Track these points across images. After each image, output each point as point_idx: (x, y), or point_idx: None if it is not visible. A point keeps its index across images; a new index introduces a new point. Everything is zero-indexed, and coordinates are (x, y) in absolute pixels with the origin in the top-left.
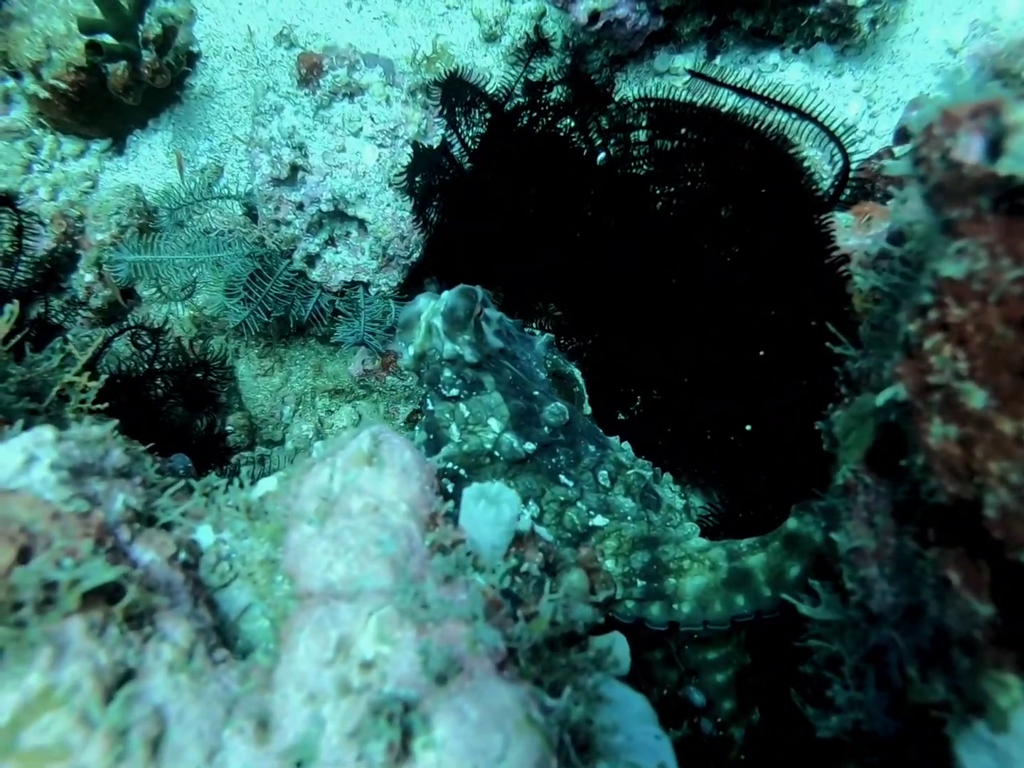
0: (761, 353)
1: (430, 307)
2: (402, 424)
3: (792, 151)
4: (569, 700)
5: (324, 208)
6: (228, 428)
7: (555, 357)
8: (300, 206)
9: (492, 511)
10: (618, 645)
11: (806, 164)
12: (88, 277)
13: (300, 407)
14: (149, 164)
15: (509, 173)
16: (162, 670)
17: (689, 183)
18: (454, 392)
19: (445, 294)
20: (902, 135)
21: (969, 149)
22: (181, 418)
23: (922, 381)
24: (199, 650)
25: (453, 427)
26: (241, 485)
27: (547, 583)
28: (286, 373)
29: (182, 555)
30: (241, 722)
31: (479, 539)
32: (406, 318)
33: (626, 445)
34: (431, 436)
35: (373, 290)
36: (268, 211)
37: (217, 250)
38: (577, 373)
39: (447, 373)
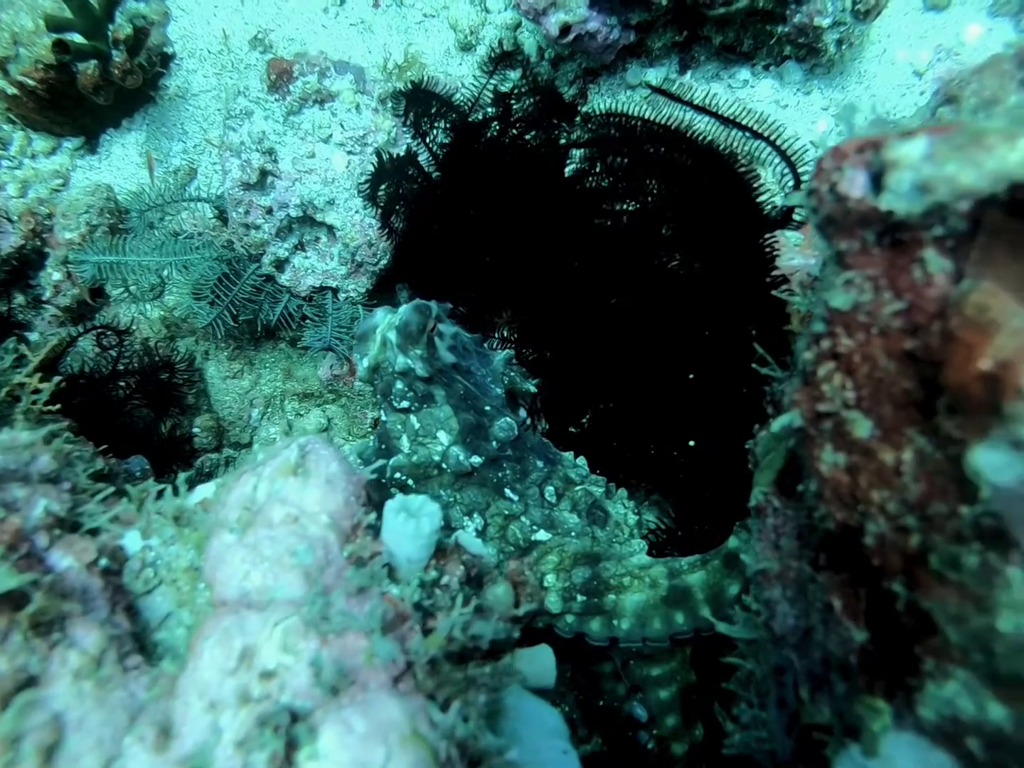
0: (704, 370)
1: (386, 321)
2: (368, 427)
3: (743, 169)
4: (457, 715)
5: (293, 213)
6: (195, 430)
7: (513, 374)
8: (269, 211)
9: (412, 524)
10: (541, 658)
11: (757, 183)
12: (56, 275)
13: (269, 410)
14: (122, 164)
15: (475, 183)
16: (67, 677)
17: (641, 198)
18: (405, 404)
19: (402, 308)
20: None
21: (854, 183)
22: (146, 420)
23: (815, 408)
24: (109, 657)
25: (404, 438)
26: (176, 491)
27: (459, 597)
28: (256, 376)
29: (103, 561)
30: (144, 729)
31: (398, 551)
32: (363, 331)
33: (581, 461)
34: (383, 446)
35: (342, 296)
36: (238, 215)
37: (185, 253)
38: (534, 390)
39: (399, 385)
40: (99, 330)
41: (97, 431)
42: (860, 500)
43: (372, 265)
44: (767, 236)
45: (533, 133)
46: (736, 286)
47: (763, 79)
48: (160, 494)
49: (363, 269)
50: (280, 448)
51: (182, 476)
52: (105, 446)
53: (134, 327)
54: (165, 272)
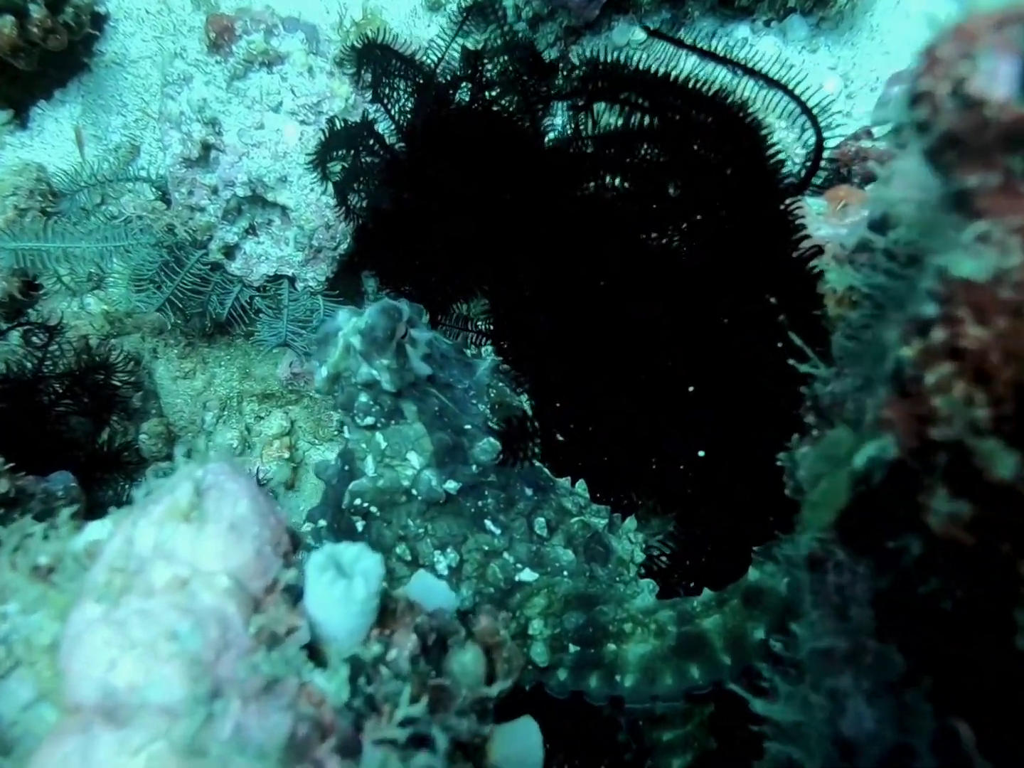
0: (716, 366)
1: (351, 324)
2: (334, 432)
3: (755, 123)
4: None
5: (240, 192)
6: (142, 436)
7: (500, 385)
8: (215, 190)
9: (340, 586)
10: (523, 736)
11: (772, 140)
12: None
13: (225, 413)
14: (56, 140)
15: (444, 155)
16: None
17: (635, 162)
18: (369, 420)
19: (368, 310)
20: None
21: (995, 77)
22: (84, 428)
23: (920, 432)
24: None
25: (369, 459)
26: (54, 530)
27: (406, 690)
28: (209, 375)
29: None
30: None
31: (326, 622)
32: (323, 334)
33: (580, 487)
34: (346, 467)
35: (300, 285)
36: (181, 195)
37: (119, 239)
38: (525, 404)
39: (363, 398)
40: (25, 327)
41: (22, 443)
42: None
43: (331, 250)
44: (790, 201)
45: (509, 97)
46: (753, 263)
47: (764, 36)
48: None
49: (322, 255)
50: (175, 480)
51: (65, 512)
52: (12, 464)
53: (71, 323)
54: (101, 260)
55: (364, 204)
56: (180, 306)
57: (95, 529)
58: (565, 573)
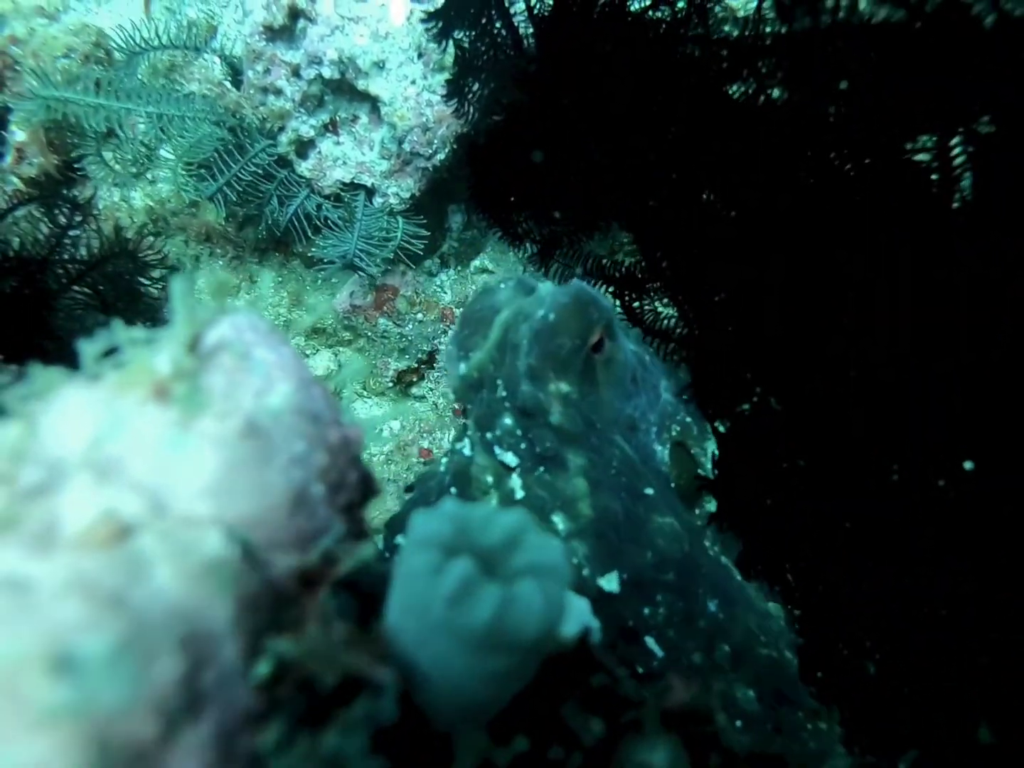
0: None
1: (515, 307)
2: (390, 384)
3: None
4: None
5: (327, 74)
6: None
7: (685, 419)
8: (296, 71)
9: (483, 602)
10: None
11: None
12: (20, 135)
13: None
14: (126, 9)
15: (585, 69)
16: None
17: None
18: (510, 458)
19: (548, 290)
20: None
21: None
22: (97, 324)
23: None
24: None
25: (493, 499)
26: None
27: None
28: (254, 297)
29: None
30: None
31: (434, 666)
32: (475, 310)
33: (775, 608)
34: (455, 489)
35: (378, 199)
36: (255, 74)
37: (170, 106)
38: (712, 447)
39: (508, 422)
40: (49, 201)
41: (22, 331)
42: None
43: (425, 159)
44: None
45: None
46: None
47: None
48: None
49: (412, 165)
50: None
51: None
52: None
53: (108, 213)
54: (150, 133)
55: (480, 106)
56: (235, 200)
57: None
58: (740, 722)
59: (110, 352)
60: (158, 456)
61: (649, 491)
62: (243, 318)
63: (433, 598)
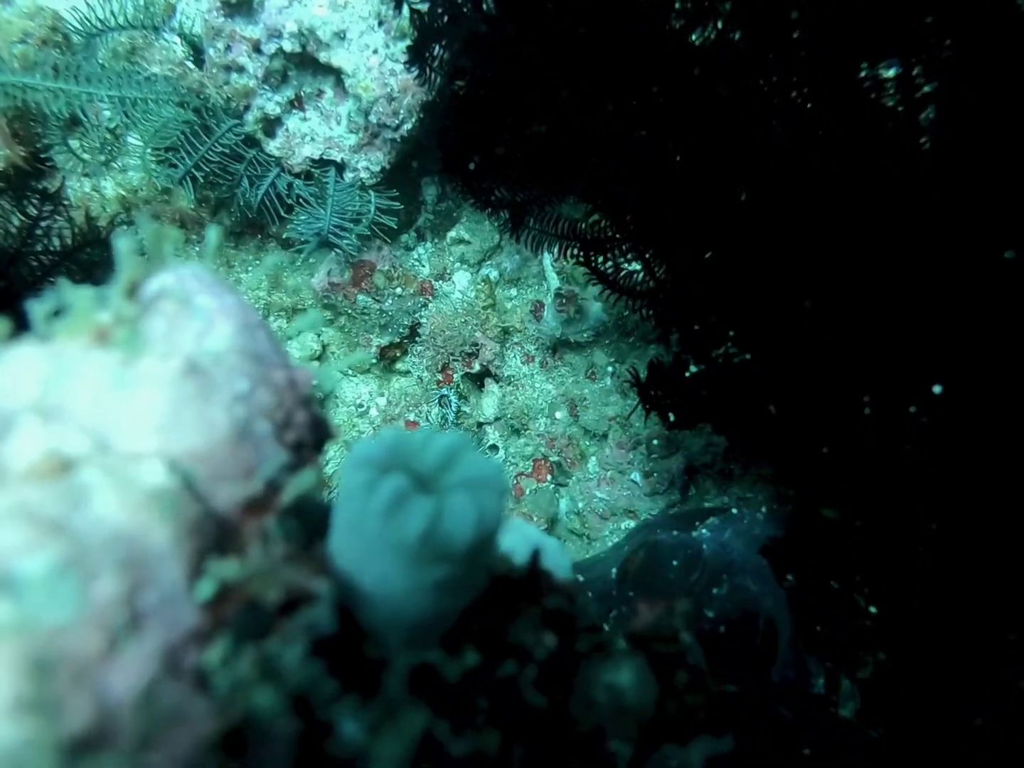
0: None
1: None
2: (374, 360)
3: None
4: None
5: (287, 47)
6: None
7: None
8: (256, 46)
9: (413, 518)
10: None
11: None
12: None
13: None
14: None
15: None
16: None
17: None
18: None
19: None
20: None
21: None
22: None
23: None
24: None
25: None
26: None
27: None
28: (232, 281)
29: None
30: None
31: (376, 588)
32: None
33: None
34: None
35: (349, 175)
36: (216, 52)
37: (133, 89)
38: None
39: None
40: (19, 193)
41: None
42: None
43: (392, 130)
44: None
45: None
46: None
47: None
48: None
49: (379, 139)
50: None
51: None
52: None
53: (80, 203)
54: (114, 119)
55: (445, 71)
56: (206, 183)
57: None
58: None
59: (59, 312)
60: (100, 397)
61: None
62: (186, 269)
63: (368, 513)
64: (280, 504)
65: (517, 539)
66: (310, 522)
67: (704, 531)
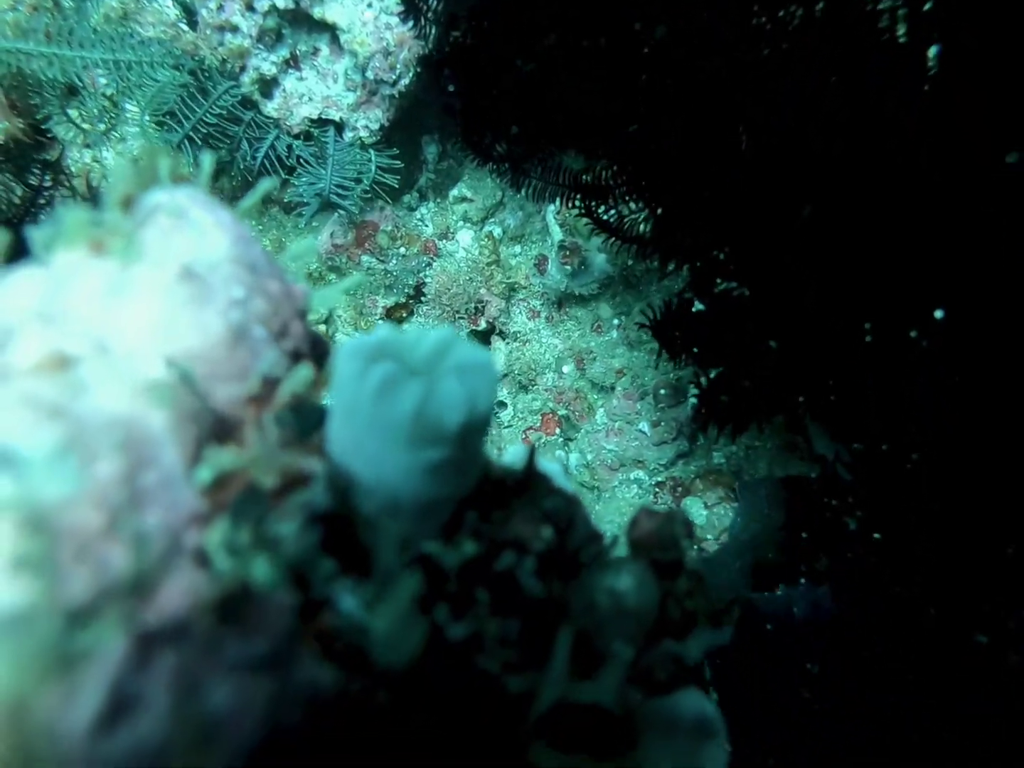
0: None
1: None
2: (379, 320)
3: None
4: None
5: (281, 3)
6: None
7: None
8: (250, 4)
9: (404, 400)
10: None
11: None
12: None
13: None
14: None
15: None
16: None
17: None
18: None
19: None
20: None
21: None
22: None
23: None
24: None
25: None
26: None
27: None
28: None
29: None
30: None
31: (372, 474)
32: None
33: None
34: None
35: (348, 133)
36: (209, 12)
37: (125, 51)
38: None
39: None
40: (20, 163)
41: None
42: None
43: (390, 85)
44: None
45: None
46: None
47: None
48: None
49: (379, 95)
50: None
51: None
52: None
53: (82, 173)
54: (110, 84)
55: (439, 18)
56: (204, 146)
57: None
58: None
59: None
60: (98, 302)
61: None
62: (181, 188)
63: (360, 398)
64: (278, 400)
65: (516, 456)
66: (308, 421)
67: None
